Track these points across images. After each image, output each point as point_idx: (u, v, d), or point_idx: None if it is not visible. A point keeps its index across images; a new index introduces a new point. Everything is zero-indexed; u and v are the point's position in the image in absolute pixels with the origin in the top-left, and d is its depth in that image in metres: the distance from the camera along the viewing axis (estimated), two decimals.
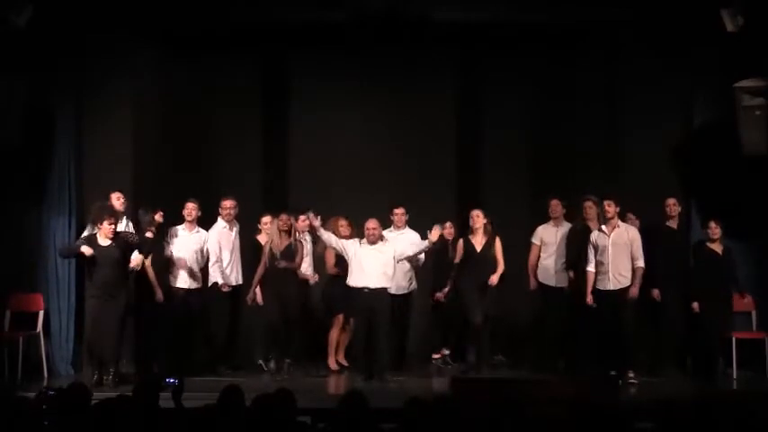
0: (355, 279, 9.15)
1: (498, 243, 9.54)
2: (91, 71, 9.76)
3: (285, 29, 10.34)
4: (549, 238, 9.76)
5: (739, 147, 9.20)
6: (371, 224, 9.22)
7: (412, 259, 9.56)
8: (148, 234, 8.88)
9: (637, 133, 10.12)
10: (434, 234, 9.11)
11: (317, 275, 9.77)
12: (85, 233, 9.00)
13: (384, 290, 9.16)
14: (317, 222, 9.13)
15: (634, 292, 8.99)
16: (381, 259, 9.15)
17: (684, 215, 9.77)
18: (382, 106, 11.06)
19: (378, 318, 9.05)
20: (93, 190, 9.63)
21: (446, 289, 9.74)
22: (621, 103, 10.39)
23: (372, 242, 9.17)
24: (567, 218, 9.80)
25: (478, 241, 9.51)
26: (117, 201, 9.24)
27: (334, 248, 9.33)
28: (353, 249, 9.20)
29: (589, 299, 9.07)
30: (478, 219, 9.51)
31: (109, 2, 9.51)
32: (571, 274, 9.49)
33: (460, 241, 9.59)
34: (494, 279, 9.42)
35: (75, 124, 9.73)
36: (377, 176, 10.85)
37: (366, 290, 9.06)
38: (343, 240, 9.30)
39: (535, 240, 9.79)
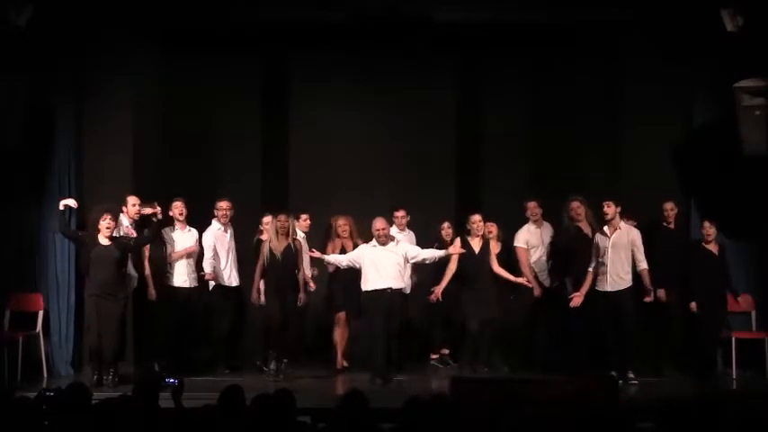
0: (372, 282, 8.99)
1: (493, 248, 9.53)
2: (91, 71, 9.76)
3: (285, 29, 10.34)
4: (535, 240, 9.73)
5: (739, 147, 9.20)
6: (380, 224, 9.11)
7: (423, 262, 9.39)
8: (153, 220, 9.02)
9: (637, 133, 10.12)
10: (455, 249, 9.17)
11: (315, 269, 9.76)
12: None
13: (400, 290, 9.11)
14: (317, 254, 9.19)
15: (649, 298, 8.99)
16: (395, 259, 9.04)
17: (684, 215, 9.78)
18: (382, 106, 11.06)
19: (394, 318, 8.98)
20: (93, 190, 9.64)
21: (439, 287, 9.52)
22: (621, 103, 10.39)
23: (383, 243, 9.05)
24: (546, 217, 9.78)
25: (476, 243, 9.47)
26: (133, 207, 9.27)
27: (348, 266, 9.20)
28: (363, 254, 9.08)
29: (576, 301, 9.01)
30: (480, 224, 9.48)
31: (109, 2, 9.51)
32: (566, 277, 9.45)
33: (458, 241, 9.52)
34: (536, 290, 9.52)
35: (76, 124, 9.73)
36: (377, 176, 10.86)
37: (389, 290, 8.95)
38: (351, 254, 9.22)
39: (521, 244, 9.73)
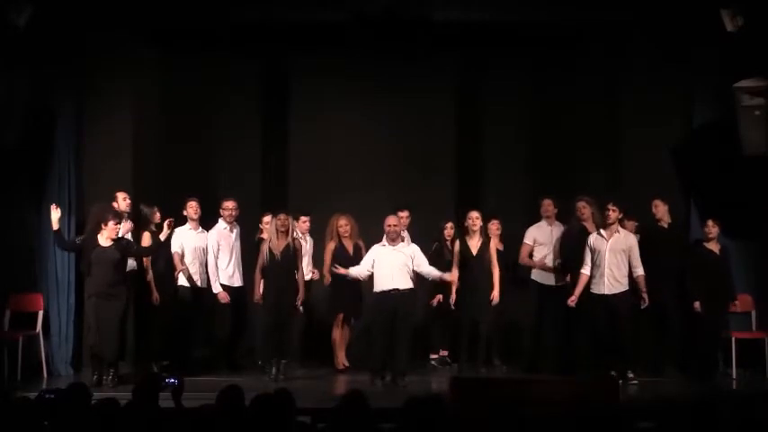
0: (380, 283, 8.91)
1: (493, 246, 9.51)
2: (91, 71, 9.77)
3: (285, 29, 10.33)
4: (544, 237, 9.70)
5: (739, 147, 9.20)
6: (392, 220, 9.00)
7: (420, 274, 9.17)
8: (162, 235, 8.91)
9: (637, 133, 10.13)
10: (449, 277, 9.14)
11: (316, 271, 9.79)
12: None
13: (410, 290, 8.97)
14: (341, 270, 9.09)
15: (645, 304, 8.90)
16: (402, 260, 8.93)
17: (684, 215, 9.78)
18: (382, 106, 11.05)
19: (402, 319, 8.86)
20: (93, 190, 9.66)
21: (439, 297, 9.70)
22: (621, 103, 10.40)
23: (393, 239, 8.94)
24: (560, 217, 9.77)
25: (474, 244, 9.38)
26: (123, 201, 9.27)
27: (369, 273, 9.01)
28: (376, 256, 8.98)
29: (572, 300, 9.02)
30: (477, 221, 9.42)
31: (109, 2, 9.52)
32: (568, 276, 9.44)
33: (456, 242, 9.50)
34: (495, 296, 9.33)
35: (76, 124, 9.74)
36: (377, 176, 10.85)
37: (394, 291, 8.85)
38: (366, 261, 9.03)
39: (528, 241, 9.73)
